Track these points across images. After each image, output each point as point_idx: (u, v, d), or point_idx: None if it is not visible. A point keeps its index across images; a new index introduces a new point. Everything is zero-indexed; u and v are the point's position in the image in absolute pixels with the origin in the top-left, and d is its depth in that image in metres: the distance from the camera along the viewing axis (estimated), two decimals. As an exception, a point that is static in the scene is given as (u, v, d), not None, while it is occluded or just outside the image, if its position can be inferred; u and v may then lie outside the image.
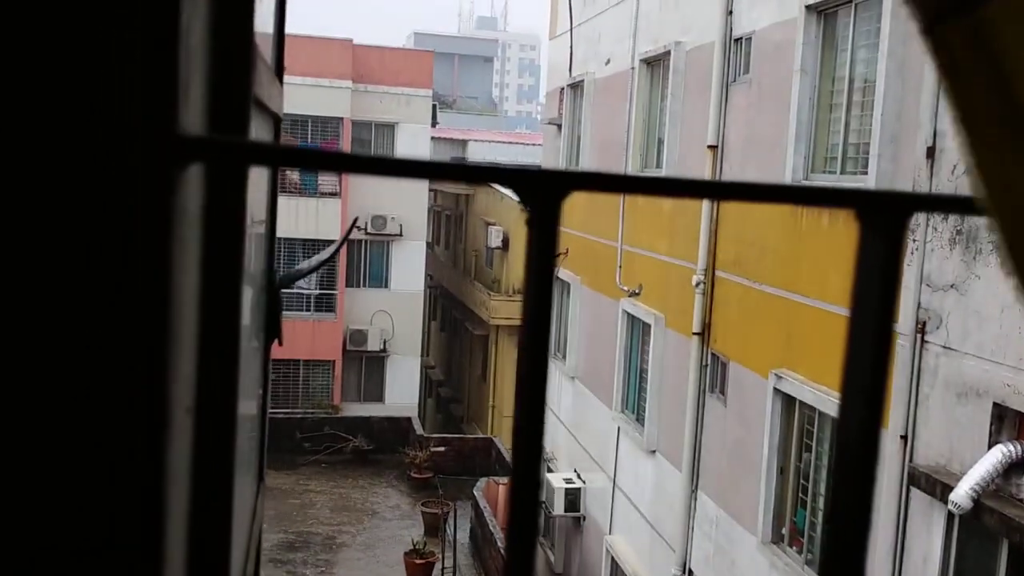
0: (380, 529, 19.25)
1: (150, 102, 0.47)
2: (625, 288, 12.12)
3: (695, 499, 10.20)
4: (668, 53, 11.21)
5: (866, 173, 7.38)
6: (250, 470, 1.41)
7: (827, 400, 7.48)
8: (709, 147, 9.98)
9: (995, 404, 5.83)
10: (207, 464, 0.77)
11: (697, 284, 10.02)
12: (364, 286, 25.25)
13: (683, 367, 10.36)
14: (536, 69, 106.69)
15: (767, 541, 8.67)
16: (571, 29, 14.92)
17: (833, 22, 8.15)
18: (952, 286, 6.29)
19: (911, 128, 6.77)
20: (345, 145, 24.12)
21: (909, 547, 6.58)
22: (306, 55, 23.04)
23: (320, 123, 24.35)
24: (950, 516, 6.09)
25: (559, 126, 15.56)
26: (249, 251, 1.32)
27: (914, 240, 6.67)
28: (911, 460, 6.57)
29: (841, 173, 7.93)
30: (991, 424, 5.86)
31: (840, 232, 7.27)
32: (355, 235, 24.58)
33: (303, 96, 23.11)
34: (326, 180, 24.36)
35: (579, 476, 13.97)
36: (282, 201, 25.97)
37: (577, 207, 14.16)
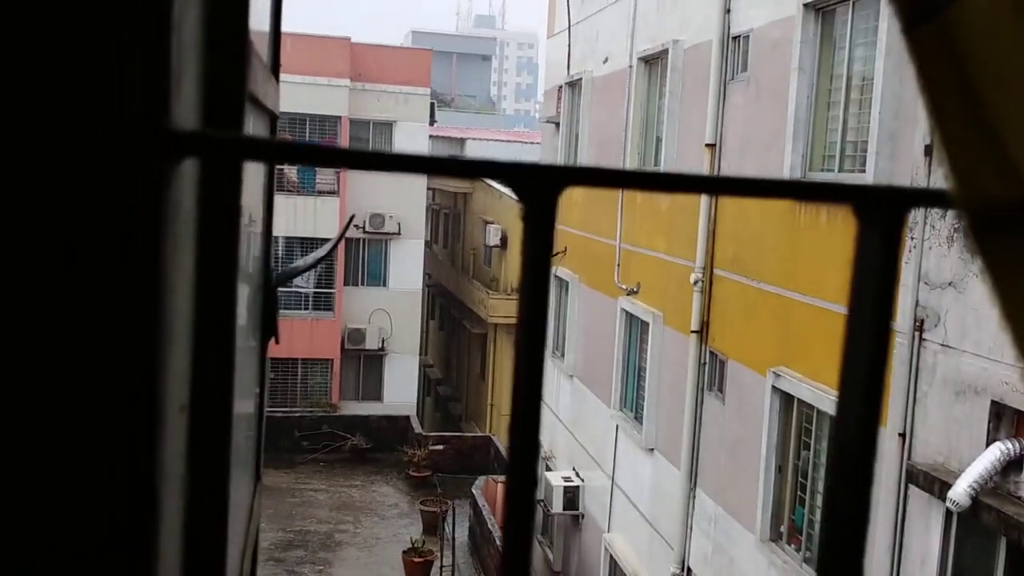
0: (379, 528, 19.25)
1: (142, 96, 0.46)
2: (623, 286, 12.12)
3: (694, 497, 10.20)
4: (666, 51, 11.20)
5: (864, 171, 7.38)
6: (247, 469, 1.41)
7: (825, 398, 7.48)
8: (707, 145, 9.98)
9: (993, 402, 5.84)
10: (203, 463, 0.77)
11: (695, 282, 10.02)
12: (362, 285, 25.24)
13: (681, 365, 10.36)
14: (534, 67, 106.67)
15: (766, 539, 8.67)
16: (569, 27, 14.91)
17: (831, 20, 8.15)
18: (950, 284, 6.29)
19: (909, 125, 6.77)
20: (343, 143, 24.09)
21: (907, 545, 6.59)
22: (304, 53, 23.02)
23: (318, 122, 24.33)
24: (948, 514, 6.10)
25: (557, 124, 15.56)
26: (245, 249, 1.31)
27: (912, 238, 6.67)
28: (909, 458, 6.57)
29: (839, 171, 7.94)
30: (989, 422, 5.86)
31: (838, 230, 7.27)
32: (353, 233, 24.57)
33: (301, 94, 23.10)
34: (324, 179, 24.36)
35: (578, 474, 13.97)
36: (280, 199, 26.05)
37: (575, 205, 14.15)
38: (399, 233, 25.01)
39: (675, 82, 11.00)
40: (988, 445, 5.77)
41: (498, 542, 15.97)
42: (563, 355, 14.89)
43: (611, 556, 12.43)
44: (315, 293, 24.56)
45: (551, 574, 15.01)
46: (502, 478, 18.37)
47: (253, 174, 1.22)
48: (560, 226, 15.20)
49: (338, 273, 24.43)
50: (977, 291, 6.04)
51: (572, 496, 13.74)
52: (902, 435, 6.65)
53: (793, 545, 8.44)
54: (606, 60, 13.47)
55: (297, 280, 24.01)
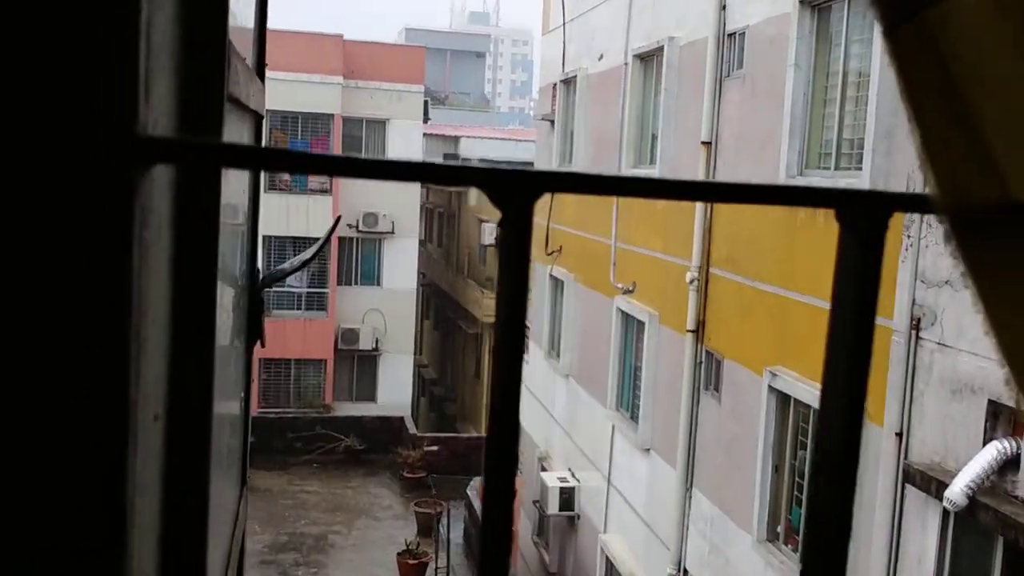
0: (373, 529, 19.23)
1: (108, 102, 0.45)
2: (619, 286, 12.12)
3: (690, 497, 10.20)
4: (661, 48, 11.20)
5: (860, 168, 7.38)
6: (231, 473, 1.39)
7: (820, 397, 7.47)
8: (703, 143, 9.97)
9: (990, 401, 5.84)
10: (181, 472, 0.76)
11: (691, 281, 10.02)
12: (356, 284, 25.20)
13: (677, 365, 10.36)
14: (529, 65, 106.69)
15: (762, 539, 8.67)
16: (564, 24, 14.90)
17: (827, 16, 8.15)
18: (947, 282, 6.29)
19: (906, 123, 6.76)
20: (336, 141, 24.08)
21: (904, 544, 6.59)
22: (296, 51, 22.96)
23: (311, 120, 24.29)
24: (945, 513, 6.10)
25: (552, 122, 15.55)
26: (231, 251, 1.30)
27: (908, 236, 6.67)
28: (906, 457, 6.57)
29: (836, 169, 7.93)
30: (986, 421, 5.86)
31: (835, 229, 7.24)
32: (347, 233, 24.54)
33: (293, 92, 23.05)
34: (317, 177, 24.32)
35: (573, 475, 13.96)
36: (273, 199, 25.99)
37: (570, 204, 14.14)
38: (393, 232, 24.98)
39: (671, 79, 11.00)
40: (985, 444, 5.77)
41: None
42: (559, 355, 14.88)
43: (607, 557, 12.43)
44: (308, 293, 24.53)
45: (547, 575, 15.00)
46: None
47: (237, 175, 1.21)
48: (555, 225, 15.19)
49: (331, 273, 24.40)
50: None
51: (568, 497, 13.73)
52: (899, 434, 6.65)
53: (790, 545, 8.44)
54: (601, 57, 13.46)
55: (290, 280, 23.97)
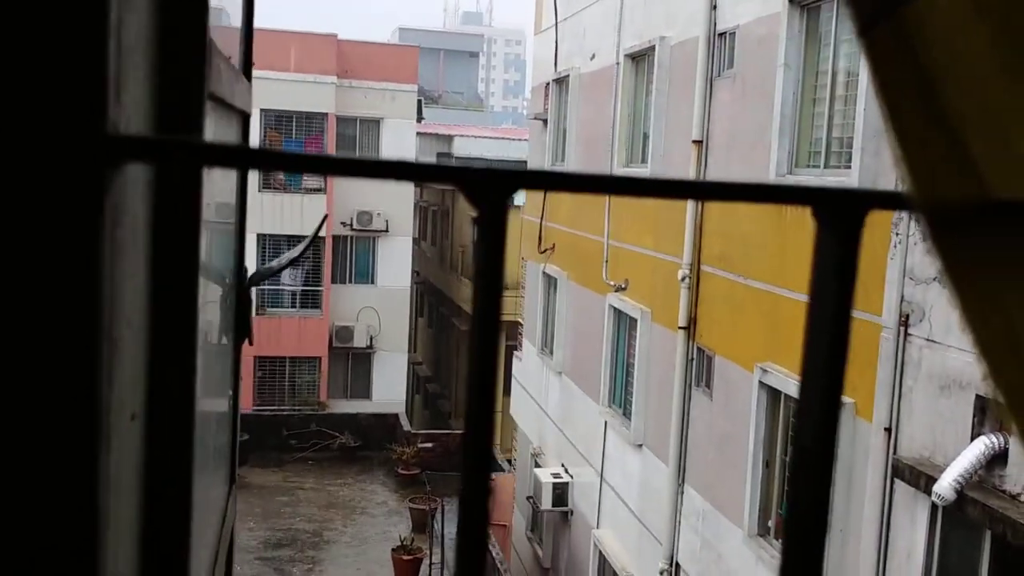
0: (367, 526, 19.23)
1: (74, 101, 0.45)
2: (611, 283, 12.13)
3: (682, 493, 10.22)
4: (653, 48, 11.20)
5: (850, 167, 7.40)
6: (218, 472, 1.39)
7: (812, 393, 7.49)
8: (694, 142, 9.98)
9: (978, 396, 5.87)
10: (162, 471, 0.76)
11: (683, 278, 10.03)
12: (350, 282, 25.18)
13: (669, 361, 10.38)
14: (522, 64, 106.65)
15: (753, 534, 8.70)
16: (556, 24, 14.90)
17: (816, 16, 8.16)
18: (935, 279, 6.31)
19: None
20: (330, 141, 24.04)
21: (893, 538, 6.62)
22: (290, 51, 22.93)
23: (305, 119, 24.24)
24: (934, 508, 6.12)
25: (545, 121, 15.55)
26: (217, 249, 1.30)
27: (897, 234, 6.69)
28: (895, 452, 6.60)
29: (825, 167, 7.95)
30: (974, 416, 5.89)
31: (824, 226, 7.28)
32: (341, 231, 24.52)
33: (288, 92, 23.01)
34: (311, 176, 24.28)
35: (566, 471, 13.98)
36: (267, 197, 25.92)
37: (563, 202, 14.15)
38: (387, 230, 24.96)
39: (662, 79, 11.01)
40: (973, 439, 5.80)
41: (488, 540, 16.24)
42: (551, 352, 14.89)
43: (600, 552, 12.45)
44: (303, 291, 24.50)
45: (540, 571, 15.02)
46: (492, 476, 18.34)
47: (223, 173, 1.20)
48: (549, 223, 15.18)
49: (326, 271, 24.38)
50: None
51: (561, 493, 13.75)
52: (888, 430, 6.67)
53: (781, 540, 8.46)
54: (593, 57, 13.47)
55: (284, 278, 23.94)
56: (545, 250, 14.79)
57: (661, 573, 10.43)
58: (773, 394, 8.47)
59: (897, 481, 6.51)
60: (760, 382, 8.53)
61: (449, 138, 33.24)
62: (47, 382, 0.47)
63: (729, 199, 0.56)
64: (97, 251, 0.47)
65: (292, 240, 22.77)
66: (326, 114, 24.21)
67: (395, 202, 24.87)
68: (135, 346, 0.64)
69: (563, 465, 14.17)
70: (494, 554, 15.19)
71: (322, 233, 23.03)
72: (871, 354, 6.76)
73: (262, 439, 21.75)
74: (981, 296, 0.45)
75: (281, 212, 23.24)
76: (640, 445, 11.40)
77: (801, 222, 7.96)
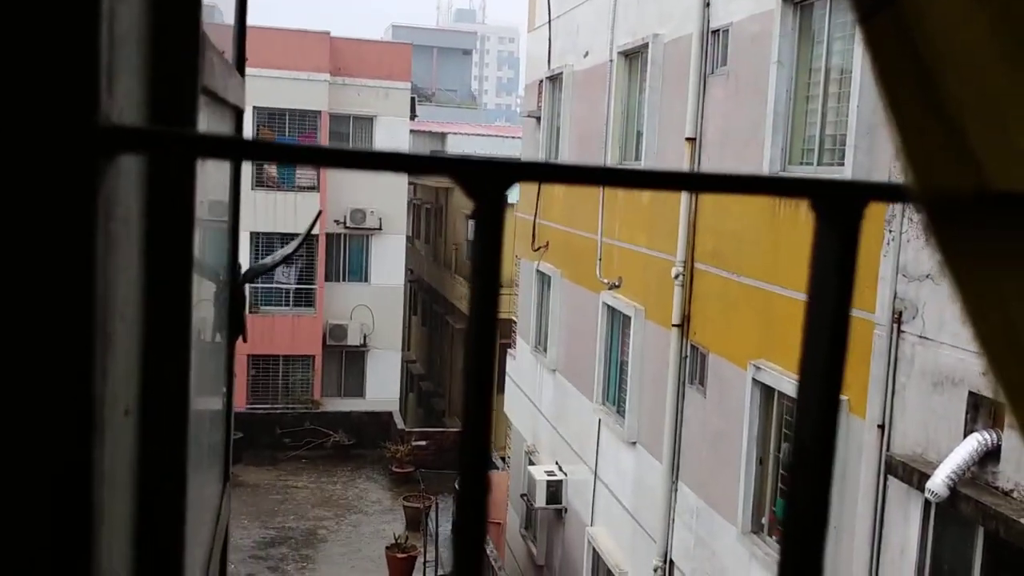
0: (361, 524, 19.21)
1: (66, 92, 0.44)
2: (605, 281, 12.13)
3: (676, 490, 10.24)
4: (646, 45, 11.20)
5: (843, 164, 7.41)
6: (213, 469, 1.38)
7: (805, 390, 7.50)
8: (687, 139, 9.99)
9: (971, 393, 5.88)
10: (156, 466, 0.75)
11: (676, 276, 10.04)
12: (344, 280, 25.15)
13: (663, 359, 10.39)
14: (515, 62, 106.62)
15: (747, 531, 8.72)
16: (550, 21, 14.89)
17: (809, 14, 8.17)
18: (928, 276, 6.33)
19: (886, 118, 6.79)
20: (323, 138, 24.00)
21: (887, 535, 6.64)
22: (283, 48, 22.88)
23: (298, 116, 24.20)
24: (927, 504, 6.14)
25: (538, 119, 15.54)
26: (210, 245, 1.29)
27: (890, 231, 6.71)
28: (888, 449, 6.61)
29: (818, 164, 7.96)
30: (967, 412, 5.90)
31: (817, 223, 7.29)
32: (335, 229, 24.48)
33: (281, 89, 22.96)
34: (304, 174, 24.24)
35: (560, 468, 13.99)
36: (260, 195, 25.84)
37: (557, 200, 14.15)
38: (380, 228, 24.94)
39: (655, 76, 11.01)
40: (966, 436, 5.81)
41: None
42: (545, 350, 14.89)
43: (594, 550, 12.46)
44: (296, 289, 24.46)
45: (534, 568, 15.03)
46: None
47: (216, 169, 1.20)
48: (542, 221, 15.18)
49: (319, 269, 24.35)
50: (954, 283, 6.06)
51: (555, 490, 13.76)
52: (881, 427, 6.69)
53: (774, 537, 8.49)
54: (586, 54, 13.46)
55: (278, 276, 23.90)
56: (539, 248, 14.78)
57: (655, 570, 10.44)
58: (766, 391, 8.48)
59: (890, 478, 6.52)
60: (753, 379, 8.54)
61: (442, 136, 33.22)
62: (40, 375, 0.46)
63: (727, 191, 0.55)
64: (90, 243, 0.46)
65: (285, 238, 22.73)
66: (319, 112, 24.17)
67: (389, 200, 24.86)
68: (128, 340, 0.63)
69: (557, 463, 14.18)
70: (488, 552, 15.20)
71: (315, 231, 23.01)
72: (864, 351, 6.77)
73: (256, 437, 21.73)
74: (981, 287, 0.45)
75: (274, 210, 23.20)
76: (634, 442, 11.41)
77: (794, 219, 7.97)
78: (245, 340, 1.63)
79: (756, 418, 8.60)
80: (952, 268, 0.46)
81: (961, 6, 0.40)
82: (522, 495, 15.04)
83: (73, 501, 0.48)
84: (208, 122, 1.02)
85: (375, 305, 25.02)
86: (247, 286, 1.75)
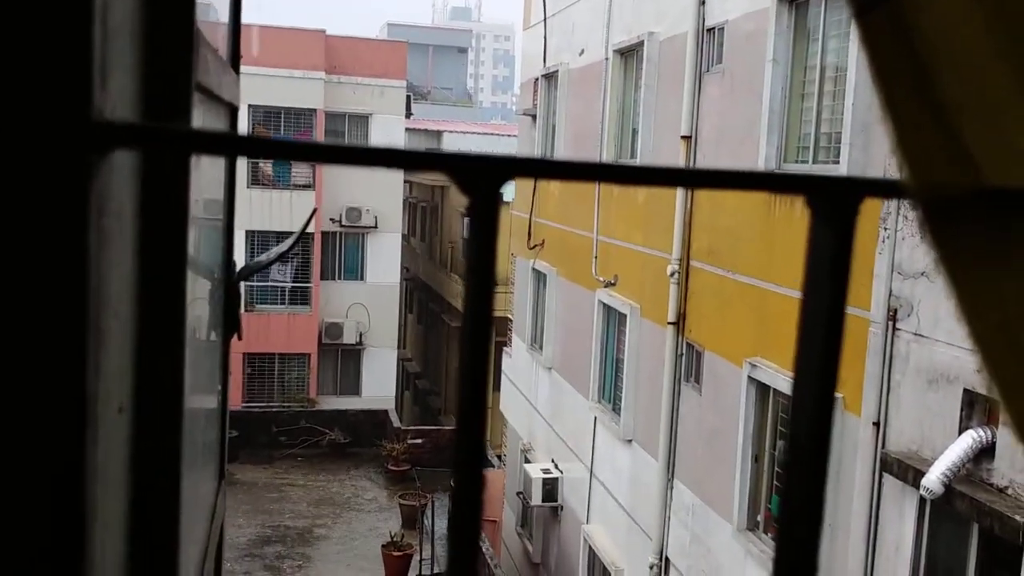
0: (357, 522, 19.21)
1: (59, 86, 0.44)
2: (601, 279, 12.14)
3: (671, 488, 10.25)
4: (641, 43, 11.21)
5: (838, 162, 7.42)
6: (207, 467, 1.38)
7: (801, 388, 7.51)
8: (683, 137, 10.00)
9: (965, 390, 5.90)
10: (150, 464, 0.75)
11: (672, 274, 10.05)
12: (339, 279, 25.14)
13: (658, 357, 10.40)
14: (511, 60, 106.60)
15: (742, 528, 8.73)
16: (545, 19, 14.88)
17: (804, 11, 8.18)
18: (923, 274, 6.34)
19: (881, 116, 6.80)
20: (319, 136, 23.97)
21: (882, 532, 6.65)
22: (279, 46, 22.84)
23: (293, 115, 24.18)
24: (922, 501, 6.16)
25: (534, 117, 15.54)
26: (205, 242, 1.29)
27: (885, 228, 6.72)
28: (883, 446, 6.63)
29: (813, 162, 7.97)
30: (962, 410, 5.92)
31: (812, 221, 7.30)
32: (330, 227, 24.47)
33: (276, 87, 22.93)
34: (299, 172, 24.22)
35: (556, 466, 14.00)
36: (256, 193, 25.84)
37: (553, 198, 14.15)
38: (376, 227, 24.92)
39: (651, 74, 11.01)
40: (961, 433, 5.83)
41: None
42: (541, 348, 14.89)
43: (590, 547, 12.48)
44: (292, 287, 24.44)
45: (530, 566, 15.04)
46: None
47: (210, 166, 1.19)
48: (538, 219, 15.17)
49: (315, 267, 24.33)
50: (949, 281, 6.07)
51: (551, 488, 13.76)
52: (876, 424, 6.70)
53: (770, 534, 8.50)
54: (582, 52, 13.46)
55: (274, 274, 23.87)
56: (534, 246, 14.78)
57: (651, 568, 10.46)
58: (762, 389, 8.50)
59: (885, 475, 6.54)
60: (749, 377, 8.56)
61: (438, 134, 33.20)
62: (33, 371, 0.46)
63: (722, 187, 0.55)
64: (83, 239, 0.46)
65: (281, 236, 22.69)
66: (314, 110, 24.15)
67: (384, 198, 24.84)
68: (122, 337, 0.63)
69: (553, 460, 14.19)
70: (484, 550, 15.20)
71: (311, 229, 22.99)
72: (859, 348, 6.78)
73: (251, 436, 21.71)
74: (976, 285, 0.45)
75: (270, 208, 23.17)
76: (630, 440, 11.42)
77: (789, 216, 7.98)
78: (240, 338, 1.62)
79: (751, 415, 8.61)
80: (948, 265, 0.46)
81: (958, 3, 0.40)
82: (518, 493, 15.05)
83: (66, 498, 0.47)
84: (202, 119, 1.02)
85: (371, 303, 25.01)
86: (242, 284, 1.74)
